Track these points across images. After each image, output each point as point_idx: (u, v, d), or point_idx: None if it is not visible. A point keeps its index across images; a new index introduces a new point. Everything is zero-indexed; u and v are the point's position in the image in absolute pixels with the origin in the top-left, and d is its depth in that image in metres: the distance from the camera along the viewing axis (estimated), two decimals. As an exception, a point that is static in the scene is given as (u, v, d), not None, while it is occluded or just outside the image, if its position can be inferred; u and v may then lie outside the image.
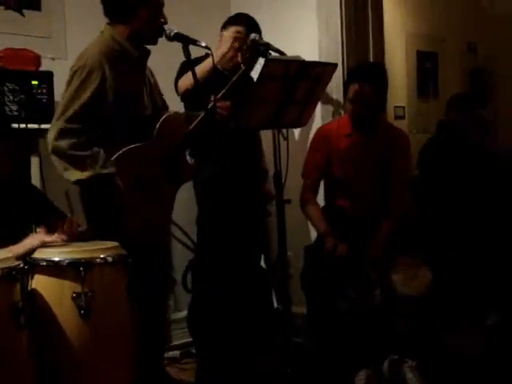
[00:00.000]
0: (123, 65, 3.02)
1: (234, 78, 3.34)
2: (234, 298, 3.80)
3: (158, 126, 3.07)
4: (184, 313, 4.06)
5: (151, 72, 3.29)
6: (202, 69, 3.45)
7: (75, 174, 2.86)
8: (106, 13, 3.10)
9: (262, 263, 4.22)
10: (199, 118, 3.17)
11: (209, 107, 3.13)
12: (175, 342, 4.02)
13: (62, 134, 2.86)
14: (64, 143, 2.85)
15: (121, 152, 2.94)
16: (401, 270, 3.52)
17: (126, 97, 3.00)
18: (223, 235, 3.75)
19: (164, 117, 3.11)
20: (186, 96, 3.60)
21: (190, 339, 4.01)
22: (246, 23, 3.74)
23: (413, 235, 3.84)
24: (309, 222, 3.80)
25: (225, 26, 3.79)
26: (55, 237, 2.60)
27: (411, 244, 3.70)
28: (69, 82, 2.96)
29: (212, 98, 3.12)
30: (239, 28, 3.73)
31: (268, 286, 4.17)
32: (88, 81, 2.91)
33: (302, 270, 3.66)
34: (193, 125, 3.17)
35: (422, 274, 3.52)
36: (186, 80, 3.50)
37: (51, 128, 2.93)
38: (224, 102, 3.26)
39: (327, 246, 3.47)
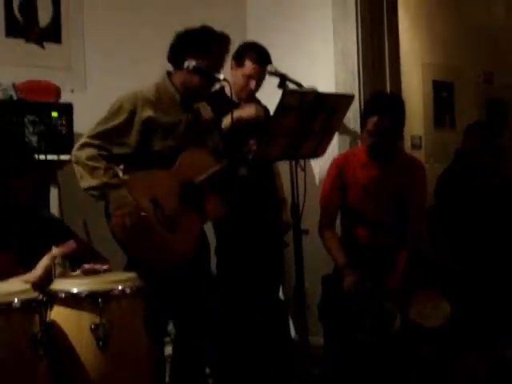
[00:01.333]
0: (161, 104, 3.12)
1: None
2: (252, 329, 3.79)
3: (180, 157, 3.11)
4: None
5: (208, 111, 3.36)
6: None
7: (86, 182, 2.94)
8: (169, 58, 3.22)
9: (281, 294, 4.21)
10: (232, 158, 3.18)
11: (244, 150, 3.14)
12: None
13: (83, 145, 2.99)
14: (83, 153, 2.97)
15: (136, 174, 3.03)
16: (420, 301, 3.50)
17: (155, 132, 3.08)
18: (242, 266, 3.75)
19: (188, 151, 3.15)
20: None
21: (208, 370, 3.99)
22: (260, 60, 3.77)
23: (430, 266, 3.82)
24: (326, 252, 3.80)
25: (240, 58, 3.82)
26: (64, 248, 2.61)
27: (429, 276, 3.68)
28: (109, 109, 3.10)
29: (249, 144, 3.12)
30: (255, 65, 3.76)
31: (286, 317, 4.15)
32: (117, 113, 3.04)
33: (320, 301, 3.65)
34: (221, 165, 3.18)
35: (441, 306, 3.50)
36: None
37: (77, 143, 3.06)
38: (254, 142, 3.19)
39: (346, 284, 3.47)
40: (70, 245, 2.64)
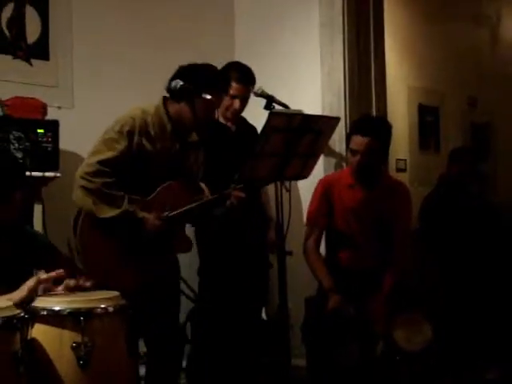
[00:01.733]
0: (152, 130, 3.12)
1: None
2: (234, 349, 3.78)
3: (159, 188, 3.12)
4: (183, 363, 4.02)
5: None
6: None
7: (106, 212, 2.96)
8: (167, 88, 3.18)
9: (263, 315, 4.20)
10: (209, 199, 3.20)
11: (224, 193, 3.14)
12: (174, 393, 3.96)
13: (96, 173, 2.97)
14: (98, 180, 2.96)
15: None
16: (402, 325, 3.51)
17: (145, 160, 3.08)
18: (225, 285, 3.74)
19: (169, 182, 3.15)
20: None
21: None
22: (243, 79, 3.79)
23: (413, 289, 3.83)
24: (310, 273, 3.80)
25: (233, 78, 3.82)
26: (51, 274, 2.59)
27: (411, 299, 3.69)
28: (108, 130, 3.08)
29: (232, 187, 3.14)
30: (237, 85, 3.78)
31: (268, 338, 4.14)
32: (121, 137, 3.03)
33: (303, 322, 3.65)
34: (197, 203, 3.18)
35: (423, 330, 3.51)
36: None
37: (84, 166, 3.03)
38: (240, 192, 3.23)
39: (330, 305, 3.47)
40: (59, 272, 2.62)
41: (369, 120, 3.89)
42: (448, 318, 3.94)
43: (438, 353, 3.60)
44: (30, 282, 2.55)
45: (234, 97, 3.81)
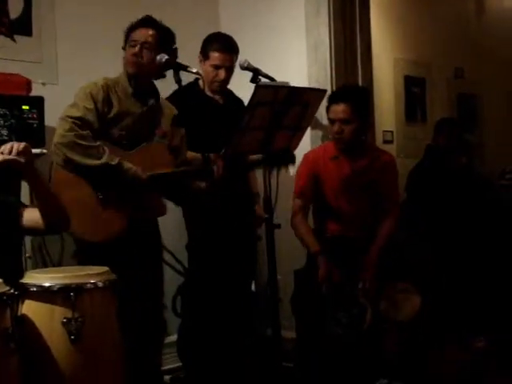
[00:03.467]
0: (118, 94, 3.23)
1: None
2: (224, 322, 3.80)
3: (141, 145, 3.21)
4: (174, 337, 4.04)
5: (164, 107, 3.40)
6: None
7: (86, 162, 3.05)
8: None
9: (253, 287, 4.22)
10: (193, 168, 3.23)
11: (207, 162, 3.18)
12: (165, 367, 3.99)
13: (70, 128, 3.08)
14: (72, 133, 3.07)
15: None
16: (390, 295, 3.54)
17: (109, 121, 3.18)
18: (214, 260, 3.75)
19: (151, 143, 3.23)
20: None
21: (180, 364, 3.99)
22: (224, 48, 3.80)
23: (400, 260, 3.86)
24: (298, 246, 3.82)
25: (205, 51, 3.83)
26: None
27: (399, 268, 3.72)
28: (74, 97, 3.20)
29: (213, 157, 3.18)
30: (219, 54, 3.78)
31: (257, 310, 4.16)
32: (86, 99, 3.15)
33: (293, 294, 3.67)
34: (182, 169, 3.25)
35: (411, 299, 3.55)
36: None
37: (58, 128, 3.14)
38: (222, 161, 3.28)
39: (320, 272, 3.49)
40: None
41: (343, 88, 3.90)
42: (436, 288, 3.97)
43: (426, 322, 3.64)
44: None
45: (217, 67, 3.79)
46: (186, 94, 3.50)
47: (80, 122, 3.09)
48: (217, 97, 3.88)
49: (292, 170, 3.90)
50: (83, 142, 3.06)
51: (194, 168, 3.23)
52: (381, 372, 3.46)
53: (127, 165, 3.11)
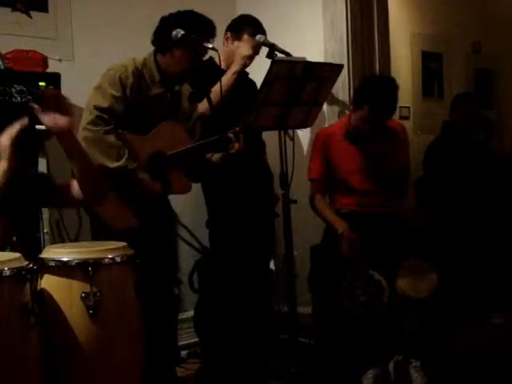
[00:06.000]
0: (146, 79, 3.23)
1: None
2: (241, 298, 3.82)
3: (157, 126, 3.21)
4: (190, 313, 4.07)
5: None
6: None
7: (107, 162, 3.06)
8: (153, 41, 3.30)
9: (271, 265, 4.24)
10: (209, 140, 3.21)
11: (224, 135, 3.16)
12: (181, 342, 4.02)
13: (95, 121, 3.08)
14: (99, 129, 3.07)
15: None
16: (407, 272, 3.53)
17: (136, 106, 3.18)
18: (234, 236, 3.76)
19: (167, 122, 3.24)
20: None
21: (196, 339, 4.02)
22: (254, 27, 3.76)
23: (417, 237, 3.85)
24: (315, 222, 3.82)
25: (238, 31, 3.81)
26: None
27: (416, 246, 3.71)
28: (102, 79, 3.19)
29: (232, 131, 3.16)
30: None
31: (274, 287, 4.18)
32: (114, 85, 3.14)
33: (309, 272, 3.68)
34: (197, 143, 3.25)
35: (428, 277, 3.54)
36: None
37: (84, 117, 3.14)
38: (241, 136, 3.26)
39: (344, 246, 3.52)
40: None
41: (377, 85, 3.72)
42: (453, 265, 3.96)
43: (444, 300, 3.64)
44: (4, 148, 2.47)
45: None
46: (203, 71, 3.49)
47: (106, 116, 3.09)
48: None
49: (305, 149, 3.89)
50: (106, 140, 3.07)
51: (209, 140, 3.22)
52: (397, 349, 3.46)
53: (141, 175, 3.12)
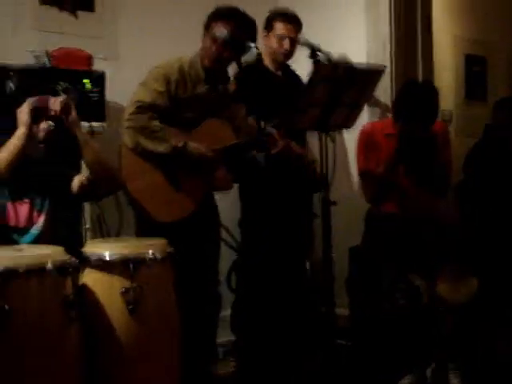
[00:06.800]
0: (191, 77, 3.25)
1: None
2: (278, 298, 3.82)
3: (203, 123, 3.25)
4: (227, 312, 4.08)
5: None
6: None
7: (157, 147, 3.12)
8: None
9: (308, 265, 4.23)
10: (252, 139, 3.25)
11: (266, 133, 3.20)
12: (218, 341, 4.04)
13: (138, 112, 3.12)
14: (143, 116, 3.11)
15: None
16: (447, 277, 3.50)
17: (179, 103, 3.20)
18: (266, 237, 3.77)
19: (212, 119, 3.26)
20: None
21: (233, 338, 4.03)
22: (289, 19, 3.80)
23: (458, 242, 3.81)
24: (353, 223, 3.80)
25: (269, 23, 3.84)
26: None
27: (457, 251, 3.68)
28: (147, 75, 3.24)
29: (271, 132, 3.21)
30: (284, 25, 3.79)
31: (311, 287, 4.17)
32: (158, 81, 3.17)
33: (348, 273, 3.66)
34: (239, 141, 3.28)
35: (468, 282, 3.50)
36: None
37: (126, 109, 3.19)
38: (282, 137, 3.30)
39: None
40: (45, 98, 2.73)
41: (418, 96, 3.59)
42: (493, 271, 3.91)
43: (483, 305, 3.60)
44: (23, 115, 2.67)
45: (282, 37, 3.79)
46: (250, 70, 3.51)
47: (148, 109, 3.12)
48: (279, 72, 3.88)
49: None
50: (149, 125, 3.11)
51: (253, 138, 3.25)
52: (435, 354, 3.44)
53: (193, 145, 3.16)
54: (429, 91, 3.69)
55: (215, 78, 3.31)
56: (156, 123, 3.12)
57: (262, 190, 3.75)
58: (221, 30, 3.17)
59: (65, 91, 3.36)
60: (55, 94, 3.35)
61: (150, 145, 3.11)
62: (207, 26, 3.26)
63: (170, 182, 3.19)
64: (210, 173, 3.24)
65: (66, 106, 2.71)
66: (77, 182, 2.82)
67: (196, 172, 3.21)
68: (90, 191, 2.82)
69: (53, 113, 2.69)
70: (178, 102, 3.20)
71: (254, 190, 3.80)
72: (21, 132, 2.66)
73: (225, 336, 4.11)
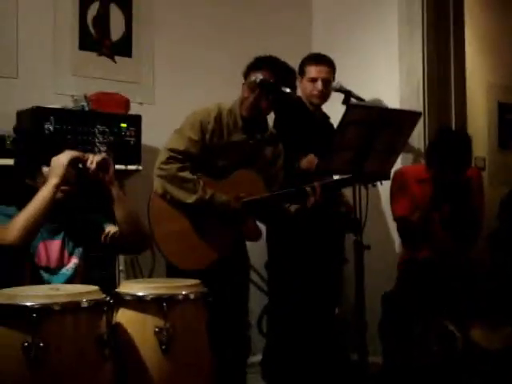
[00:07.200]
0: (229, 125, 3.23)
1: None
2: (309, 344, 3.78)
3: (235, 172, 3.23)
4: (258, 357, 4.05)
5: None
6: None
7: (185, 197, 3.11)
8: None
9: (337, 310, 4.19)
10: (286, 191, 3.22)
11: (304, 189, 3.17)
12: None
13: (169, 160, 3.13)
14: (172, 166, 3.11)
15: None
16: (481, 323, 3.45)
17: (214, 151, 3.20)
18: (293, 280, 3.75)
19: (244, 169, 3.25)
20: None
21: (264, 384, 4.00)
22: (318, 60, 3.89)
23: (489, 290, 3.77)
24: (386, 268, 3.78)
25: (302, 68, 3.92)
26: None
27: (488, 299, 3.63)
28: (184, 121, 3.24)
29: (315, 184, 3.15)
30: (314, 66, 3.86)
31: (341, 333, 4.13)
32: (193, 129, 3.17)
33: (381, 319, 3.62)
34: (275, 193, 3.24)
35: (503, 329, 3.45)
36: None
37: (159, 156, 3.18)
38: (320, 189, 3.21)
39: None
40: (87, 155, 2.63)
41: (452, 148, 3.65)
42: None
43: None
44: (62, 157, 2.57)
45: (313, 80, 3.85)
46: (290, 110, 3.55)
47: (181, 157, 3.13)
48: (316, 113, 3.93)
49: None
50: (180, 175, 3.11)
51: (287, 191, 3.24)
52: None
53: (221, 198, 3.15)
54: (462, 138, 3.70)
55: (253, 127, 3.29)
56: (186, 173, 3.12)
57: (289, 232, 3.75)
58: (256, 75, 3.20)
59: (105, 146, 3.42)
60: (93, 138, 3.42)
61: (179, 194, 3.11)
62: (246, 75, 3.28)
63: (196, 230, 3.16)
64: (237, 223, 3.22)
65: (105, 163, 2.64)
66: (109, 231, 2.81)
67: (223, 222, 3.18)
68: (120, 245, 2.81)
69: (90, 171, 2.62)
70: (212, 149, 3.20)
71: (280, 232, 3.80)
72: (52, 184, 2.55)
73: (255, 382, 4.07)
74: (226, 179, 3.22)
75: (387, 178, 3.36)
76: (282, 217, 3.39)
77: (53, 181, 2.56)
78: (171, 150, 3.14)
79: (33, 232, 2.55)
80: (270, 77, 3.16)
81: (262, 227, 3.66)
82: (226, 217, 3.17)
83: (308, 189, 3.12)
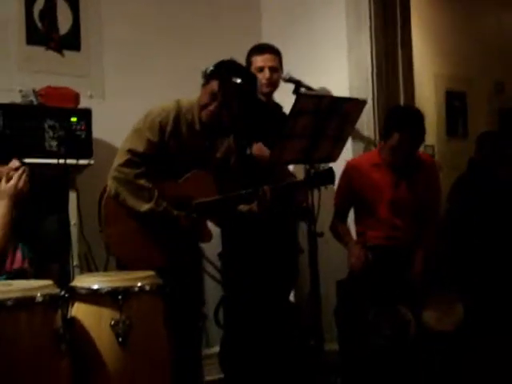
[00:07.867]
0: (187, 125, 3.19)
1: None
2: (266, 333, 3.81)
3: (189, 173, 3.19)
4: (216, 348, 4.06)
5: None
6: None
7: (137, 205, 3.06)
8: None
9: (292, 298, 4.22)
10: (237, 194, 3.22)
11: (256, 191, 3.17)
12: (207, 378, 4.01)
13: (127, 163, 3.07)
14: (130, 171, 3.06)
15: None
16: (433, 305, 3.52)
17: (170, 152, 3.15)
18: (246, 270, 3.77)
19: (197, 171, 3.21)
20: None
21: (222, 375, 4.01)
22: (260, 49, 3.88)
23: (443, 270, 3.85)
24: (340, 257, 3.82)
25: (248, 60, 3.91)
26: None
27: (442, 279, 3.71)
28: (141, 121, 3.16)
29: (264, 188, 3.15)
30: (259, 56, 3.86)
31: (298, 321, 4.16)
32: (152, 130, 3.11)
33: (336, 306, 3.67)
34: (226, 195, 3.23)
35: (454, 310, 3.52)
36: None
37: (117, 157, 3.13)
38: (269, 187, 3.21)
39: (353, 260, 3.61)
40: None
41: (405, 114, 3.79)
42: (480, 299, 3.94)
43: (470, 333, 3.61)
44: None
45: (260, 69, 3.84)
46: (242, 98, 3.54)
47: (140, 160, 3.08)
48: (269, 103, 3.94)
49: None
50: (137, 182, 3.06)
51: (238, 194, 3.22)
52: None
53: (172, 213, 3.11)
54: (416, 109, 3.82)
55: (212, 133, 3.25)
56: (143, 181, 3.07)
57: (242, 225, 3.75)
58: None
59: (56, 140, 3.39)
60: (43, 133, 3.39)
61: (131, 201, 3.07)
62: (207, 80, 3.18)
63: (148, 233, 3.12)
64: (188, 230, 3.19)
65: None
66: None
67: (173, 228, 3.16)
68: None
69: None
70: (168, 150, 3.14)
71: (235, 228, 3.80)
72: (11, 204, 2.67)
73: (214, 373, 4.09)
74: (179, 180, 3.19)
75: (334, 160, 3.40)
76: (234, 218, 3.39)
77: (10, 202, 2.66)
78: (130, 151, 3.08)
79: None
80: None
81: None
82: (176, 226, 3.15)
83: (260, 192, 3.13)
